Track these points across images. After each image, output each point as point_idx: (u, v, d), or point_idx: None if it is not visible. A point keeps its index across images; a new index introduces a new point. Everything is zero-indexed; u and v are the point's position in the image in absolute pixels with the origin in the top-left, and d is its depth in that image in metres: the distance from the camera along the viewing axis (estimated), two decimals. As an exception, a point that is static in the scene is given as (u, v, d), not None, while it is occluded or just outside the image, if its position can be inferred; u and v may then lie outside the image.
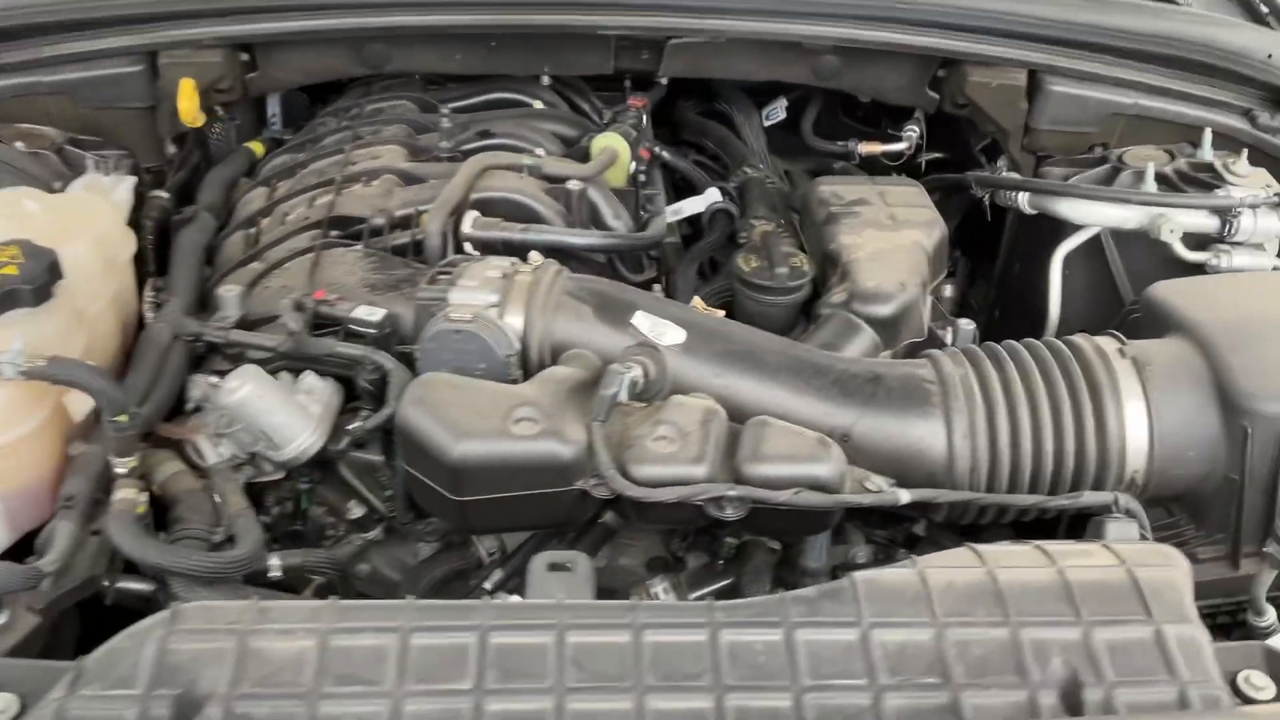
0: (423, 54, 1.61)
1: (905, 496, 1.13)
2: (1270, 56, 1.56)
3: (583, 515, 1.18)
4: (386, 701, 0.84)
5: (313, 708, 0.83)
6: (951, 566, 0.98)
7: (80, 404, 1.17)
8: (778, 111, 1.89)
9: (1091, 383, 1.18)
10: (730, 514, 1.12)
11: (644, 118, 1.65)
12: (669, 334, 1.24)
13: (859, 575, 0.96)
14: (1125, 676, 0.90)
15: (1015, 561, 0.98)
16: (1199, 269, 1.48)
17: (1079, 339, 1.24)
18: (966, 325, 1.38)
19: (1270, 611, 1.17)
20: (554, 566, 0.98)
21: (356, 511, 1.30)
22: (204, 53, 1.51)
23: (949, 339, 1.41)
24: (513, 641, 0.88)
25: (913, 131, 1.75)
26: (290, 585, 1.23)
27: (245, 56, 1.58)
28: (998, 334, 1.61)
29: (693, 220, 1.68)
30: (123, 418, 1.06)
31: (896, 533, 1.33)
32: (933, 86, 1.67)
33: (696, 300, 1.40)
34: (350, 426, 1.22)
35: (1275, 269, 1.47)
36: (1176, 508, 1.25)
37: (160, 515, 1.15)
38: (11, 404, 1.06)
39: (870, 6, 1.53)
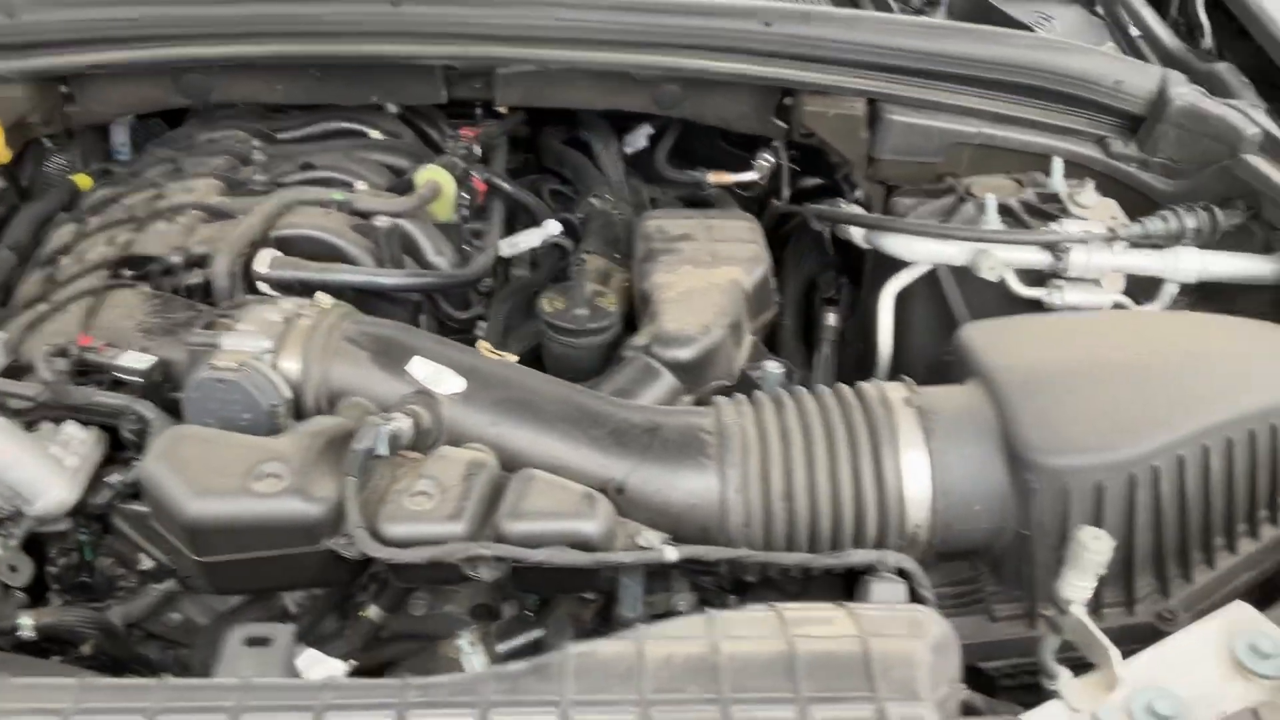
0: (244, 84, 1.57)
1: (672, 554, 1.08)
2: (1119, 82, 1.51)
3: (341, 575, 1.13)
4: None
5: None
6: (676, 637, 0.92)
7: None
8: (639, 139, 1.83)
9: (872, 432, 1.12)
10: (485, 575, 1.07)
11: (475, 149, 1.60)
12: (447, 381, 1.19)
13: (574, 649, 0.90)
14: (833, 758, 0.84)
15: (746, 631, 0.93)
16: (1037, 305, 1.43)
17: (869, 386, 1.18)
18: (774, 368, 1.32)
19: (1062, 673, 1.11)
20: (252, 641, 0.93)
21: (146, 563, 1.25)
22: (9, 87, 1.46)
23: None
24: (182, 721, 0.83)
25: (765, 162, 1.69)
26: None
27: (64, 89, 1.54)
28: (846, 372, 1.57)
29: (529, 258, 1.62)
30: None
31: (724, 580, 1.27)
32: (781, 115, 1.62)
33: (481, 344, 1.35)
34: (110, 479, 1.18)
35: (1118, 306, 1.42)
36: (979, 562, 1.19)
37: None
38: None
39: (699, 35, 1.48)
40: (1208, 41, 1.74)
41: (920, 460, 1.11)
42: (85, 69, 1.48)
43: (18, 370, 1.23)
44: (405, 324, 1.26)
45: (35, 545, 1.20)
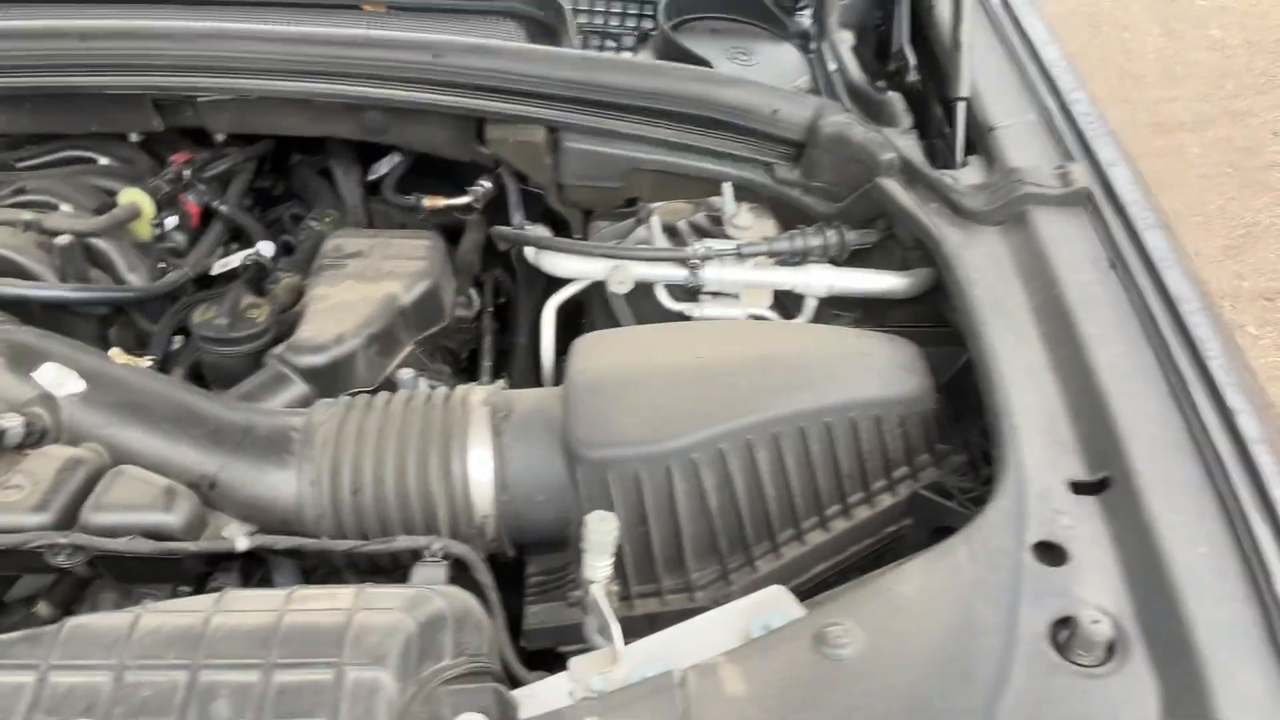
0: (-41, 114, 1.66)
1: (243, 544, 1.16)
2: (775, 111, 1.61)
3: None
4: None
5: None
6: (178, 611, 1.00)
7: None
8: (381, 167, 1.93)
9: (444, 429, 1.21)
10: (64, 561, 1.15)
11: (185, 173, 1.70)
12: (70, 384, 1.27)
13: (73, 620, 0.98)
14: (282, 715, 0.92)
15: (247, 605, 1.01)
16: (684, 318, 1.52)
17: (459, 388, 1.27)
18: (406, 374, 1.41)
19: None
20: None
21: None
22: None
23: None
24: None
25: (479, 187, 1.79)
26: None
27: None
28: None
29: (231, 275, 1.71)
30: None
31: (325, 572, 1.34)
32: (484, 143, 1.72)
33: (114, 350, 1.43)
34: None
35: (756, 318, 1.51)
36: (570, 552, 1.27)
37: None
38: None
39: (377, 66, 1.58)
40: (913, 76, 1.84)
41: (484, 456, 1.20)
42: None
43: None
44: (46, 332, 1.34)
45: None
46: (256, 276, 1.65)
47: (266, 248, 1.71)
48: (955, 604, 0.99)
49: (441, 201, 1.79)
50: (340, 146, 1.94)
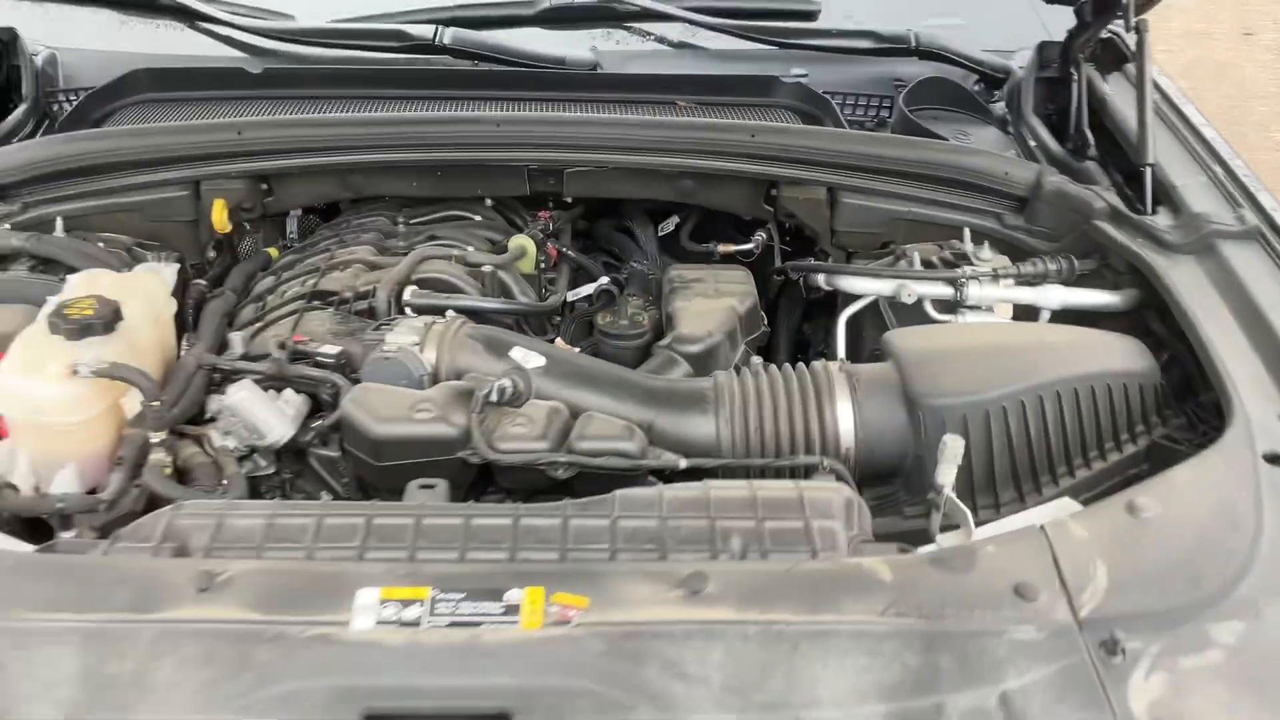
0: (390, 182, 2.23)
1: (683, 463, 1.64)
2: (1007, 174, 2.12)
3: (468, 478, 1.69)
4: (303, 552, 1.36)
5: (258, 551, 1.36)
6: (684, 488, 1.49)
7: (129, 407, 1.73)
8: (668, 225, 2.47)
9: (816, 389, 1.70)
10: (562, 474, 1.63)
11: (551, 226, 2.25)
12: (533, 360, 1.78)
13: (619, 492, 1.47)
14: (777, 546, 1.39)
15: (729, 488, 1.49)
16: (945, 327, 2.00)
17: (817, 364, 1.76)
18: (756, 360, 1.91)
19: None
20: (423, 486, 1.51)
21: (326, 497, 1.83)
22: (232, 182, 2.13)
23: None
24: (384, 522, 1.40)
25: (759, 236, 2.31)
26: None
27: (264, 185, 2.20)
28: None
29: (587, 300, 2.24)
30: (156, 403, 1.63)
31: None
32: (769, 202, 2.25)
33: (559, 341, 1.95)
34: (314, 424, 1.77)
35: (1001, 326, 1.99)
36: (895, 482, 1.74)
37: (182, 480, 1.70)
38: (85, 395, 1.63)
39: (705, 143, 2.12)
40: (1092, 150, 2.34)
41: (846, 408, 1.68)
42: (286, 171, 2.14)
43: (249, 358, 1.85)
44: (503, 328, 1.86)
45: (251, 485, 1.78)
46: (608, 301, 2.17)
47: (604, 281, 2.23)
48: (1216, 487, 1.45)
49: (731, 247, 2.31)
50: (637, 211, 2.48)
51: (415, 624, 1.24)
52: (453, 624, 1.24)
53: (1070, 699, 1.18)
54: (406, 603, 1.26)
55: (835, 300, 2.22)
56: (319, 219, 2.46)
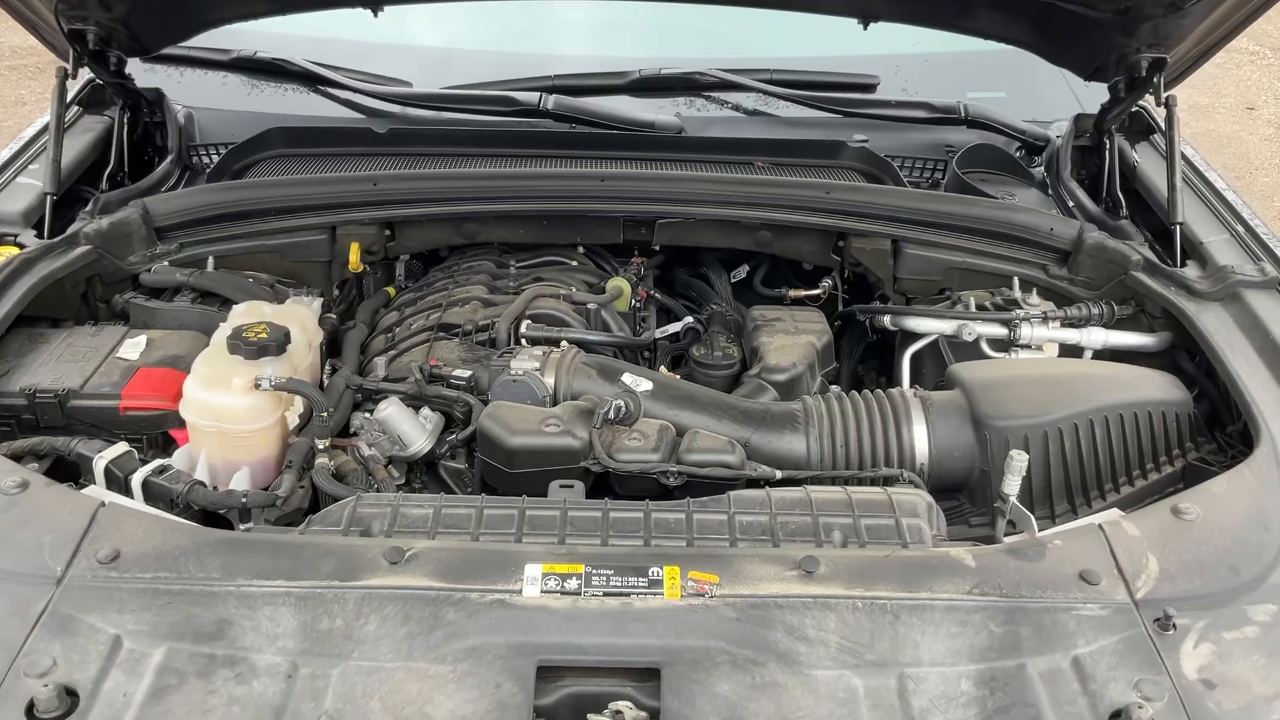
0: (499, 229, 2.50)
1: (778, 475, 1.88)
2: (1052, 230, 2.37)
3: (587, 485, 1.92)
4: (468, 536, 1.60)
5: (430, 534, 1.60)
6: (787, 490, 1.72)
7: (291, 418, 1.98)
8: (740, 272, 2.73)
9: (895, 412, 1.94)
10: (673, 482, 1.87)
11: (643, 270, 2.51)
12: (642, 384, 2.03)
13: (731, 493, 1.71)
14: (873, 539, 1.63)
15: (826, 492, 1.73)
16: (1000, 364, 2.25)
17: (894, 390, 2.01)
18: (835, 389, 2.16)
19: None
20: (563, 485, 1.75)
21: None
22: (364, 228, 2.40)
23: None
24: (535, 513, 1.64)
25: (826, 282, 2.56)
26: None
27: (388, 231, 2.47)
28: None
29: (673, 336, 2.49)
30: (324, 414, 1.88)
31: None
32: (836, 252, 2.51)
33: (662, 368, 2.20)
34: (449, 438, 2.02)
35: (1051, 363, 2.23)
36: (961, 495, 1.97)
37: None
38: (262, 407, 1.89)
39: (784, 199, 2.39)
40: (1124, 211, 2.60)
41: (921, 429, 1.92)
42: (409, 218, 2.42)
43: (393, 379, 2.10)
44: (609, 358, 2.12)
45: (384, 493, 2.02)
46: (694, 337, 2.42)
47: (689, 320, 2.49)
48: (1248, 495, 1.68)
49: (802, 292, 2.57)
50: (712, 259, 2.75)
51: (576, 593, 1.47)
52: (607, 594, 1.47)
53: (1131, 662, 1.41)
54: (565, 576, 1.49)
55: (886, 343, 2.48)
56: (420, 264, 2.73)
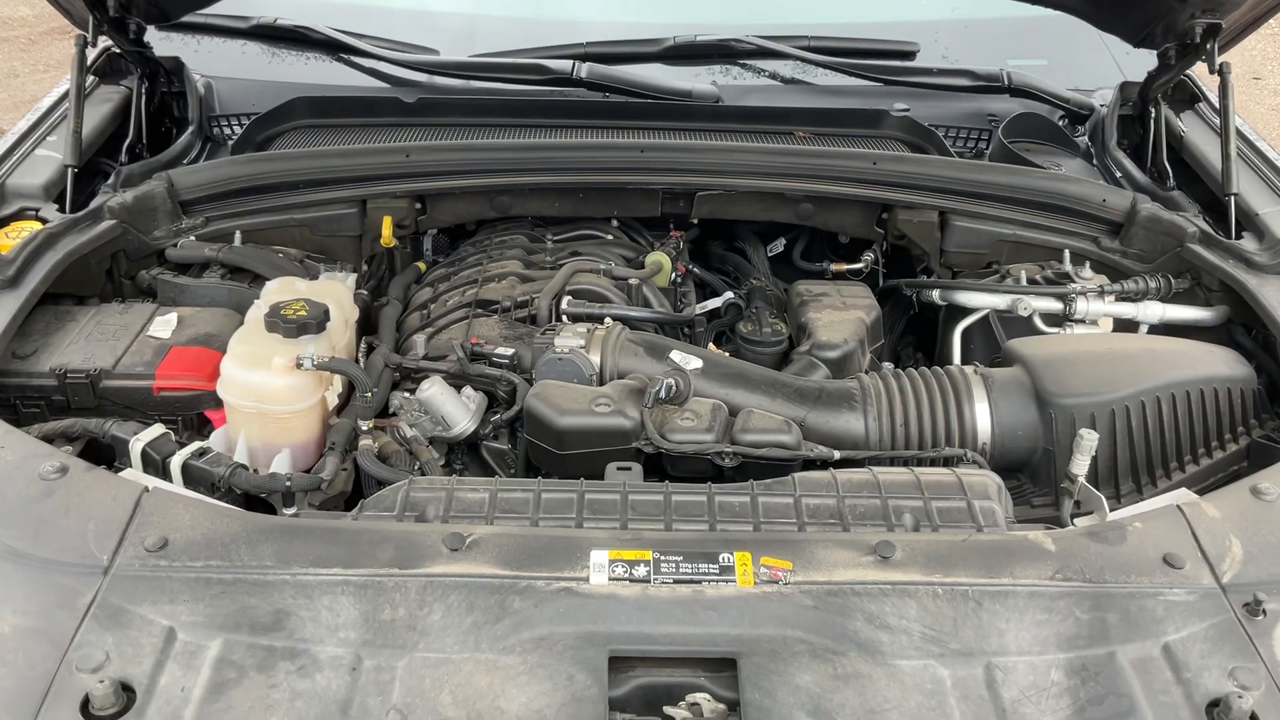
0: (533, 203, 2.42)
1: (836, 455, 1.82)
2: (1105, 201, 2.31)
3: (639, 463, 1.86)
4: (526, 521, 1.54)
5: (488, 519, 1.54)
6: (853, 472, 1.67)
7: (330, 399, 1.91)
8: (778, 246, 2.66)
9: (955, 389, 1.88)
10: (728, 463, 1.81)
11: (681, 244, 2.44)
12: (692, 362, 1.97)
13: (796, 474, 1.65)
14: (945, 523, 1.57)
15: (893, 473, 1.67)
16: (1053, 339, 2.19)
17: (953, 367, 1.95)
18: (889, 366, 2.10)
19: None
20: (620, 469, 1.69)
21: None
22: (396, 201, 2.33)
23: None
24: (595, 497, 1.58)
25: (869, 256, 2.50)
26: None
27: (419, 204, 2.40)
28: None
29: (713, 313, 2.43)
30: (368, 394, 1.81)
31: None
32: (879, 225, 2.44)
33: (711, 345, 2.13)
34: (492, 418, 1.96)
35: (1105, 338, 2.17)
36: (1022, 475, 1.92)
37: (377, 466, 1.88)
38: (304, 387, 1.82)
39: (829, 170, 2.32)
40: (1171, 181, 2.54)
41: (984, 407, 1.87)
42: (442, 191, 2.34)
43: (433, 357, 2.04)
44: (658, 335, 2.05)
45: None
46: (736, 314, 2.35)
47: (729, 295, 2.42)
48: (1327, 477, 1.63)
49: (844, 266, 2.50)
50: (748, 231, 2.68)
51: (645, 580, 1.42)
52: (677, 581, 1.42)
53: (1224, 649, 1.36)
54: (632, 563, 1.44)
55: (924, 319, 2.41)
56: (447, 238, 2.66)
